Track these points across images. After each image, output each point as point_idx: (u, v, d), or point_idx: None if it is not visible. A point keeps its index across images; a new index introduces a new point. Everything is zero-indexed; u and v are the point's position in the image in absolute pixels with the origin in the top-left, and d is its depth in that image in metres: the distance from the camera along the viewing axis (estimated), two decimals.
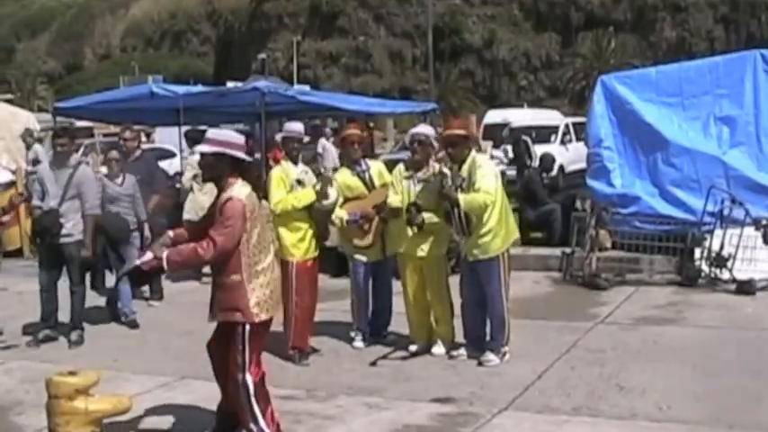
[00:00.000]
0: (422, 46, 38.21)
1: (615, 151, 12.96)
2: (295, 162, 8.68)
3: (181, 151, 20.48)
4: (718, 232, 11.54)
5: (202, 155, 6.04)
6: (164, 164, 18.56)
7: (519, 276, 12.22)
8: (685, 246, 11.76)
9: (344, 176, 8.98)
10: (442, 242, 8.55)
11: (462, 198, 7.91)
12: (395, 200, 8.51)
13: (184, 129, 15.14)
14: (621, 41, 77.14)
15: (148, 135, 30.90)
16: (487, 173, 8.04)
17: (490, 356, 8.13)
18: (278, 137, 9.23)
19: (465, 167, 8.11)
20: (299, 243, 8.50)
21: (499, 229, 8.08)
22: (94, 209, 9.74)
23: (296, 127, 8.85)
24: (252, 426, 6.02)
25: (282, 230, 8.53)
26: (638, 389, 7.25)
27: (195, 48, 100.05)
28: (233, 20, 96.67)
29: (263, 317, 6.01)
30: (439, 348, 8.59)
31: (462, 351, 8.41)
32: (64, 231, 9.50)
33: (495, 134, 27.48)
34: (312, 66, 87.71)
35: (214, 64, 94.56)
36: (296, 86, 53.42)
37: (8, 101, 58.71)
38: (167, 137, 26.36)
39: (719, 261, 11.34)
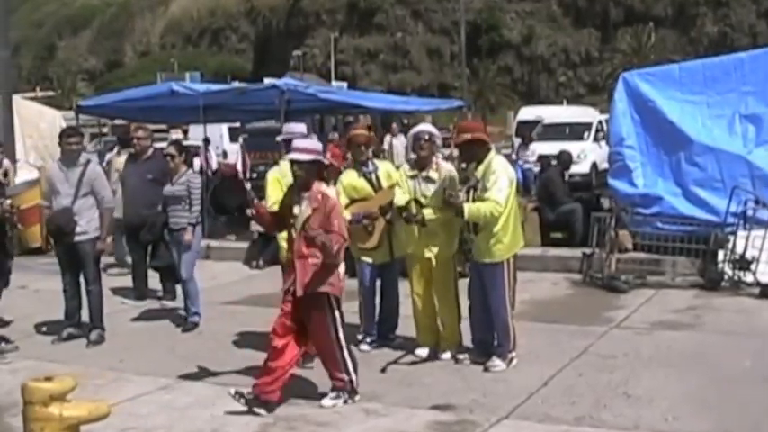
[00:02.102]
0: (460, 42, 37.90)
1: (637, 150, 12.66)
2: None
3: (206, 149, 20.57)
4: (742, 234, 11.21)
5: (299, 162, 6.95)
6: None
7: (538, 278, 12.08)
8: (708, 247, 11.46)
9: (351, 177, 8.80)
10: (451, 243, 8.32)
11: (467, 208, 7.69)
12: (401, 199, 8.31)
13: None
14: (661, 37, 76.44)
15: (185, 132, 31.05)
16: (499, 179, 7.75)
17: (496, 362, 7.92)
18: (333, 135, 9.23)
19: (480, 169, 7.88)
20: None
21: (503, 236, 7.84)
22: (111, 202, 9.86)
23: (297, 128, 8.70)
24: (344, 375, 7.09)
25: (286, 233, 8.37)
26: (646, 397, 6.99)
27: (234, 45, 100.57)
28: (271, 17, 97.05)
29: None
30: (445, 353, 8.39)
31: (467, 356, 8.21)
32: (78, 230, 9.47)
33: (527, 132, 27.17)
34: (350, 62, 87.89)
35: (252, 61, 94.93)
36: (333, 83, 53.64)
37: (49, 98, 59.31)
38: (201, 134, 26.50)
39: (743, 263, 11.00)
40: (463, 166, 8.30)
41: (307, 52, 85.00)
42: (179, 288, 11.37)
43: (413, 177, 8.35)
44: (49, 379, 5.09)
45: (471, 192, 7.86)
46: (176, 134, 27.18)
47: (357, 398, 7.12)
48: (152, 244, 11.07)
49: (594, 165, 24.93)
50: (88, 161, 9.87)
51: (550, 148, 21.20)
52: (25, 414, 5.15)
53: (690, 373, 7.65)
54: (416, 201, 8.16)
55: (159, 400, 7.37)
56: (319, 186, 6.98)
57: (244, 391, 6.98)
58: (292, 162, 7.06)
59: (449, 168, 8.44)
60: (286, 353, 7.04)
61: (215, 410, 7.05)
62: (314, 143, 7.38)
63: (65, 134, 9.87)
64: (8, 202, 9.29)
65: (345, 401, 7.07)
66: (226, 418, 6.87)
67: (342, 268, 7.14)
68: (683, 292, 11.08)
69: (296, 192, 7.15)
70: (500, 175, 7.77)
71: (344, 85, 53.91)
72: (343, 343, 7.12)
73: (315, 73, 74.41)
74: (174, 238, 10.34)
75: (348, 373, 7.11)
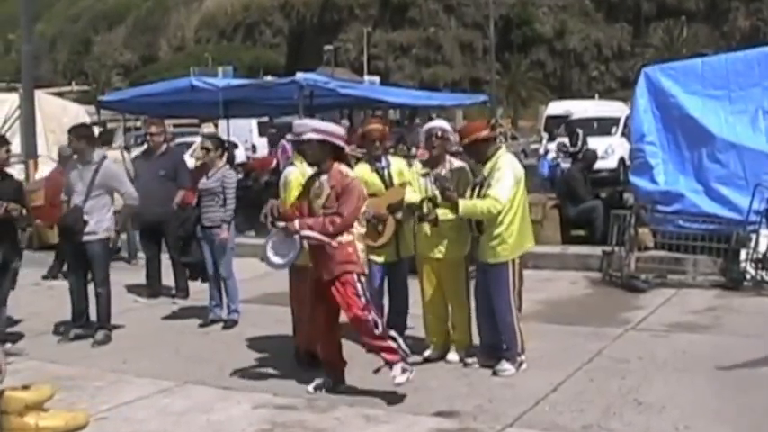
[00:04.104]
0: (493, 36, 37.71)
1: (658, 147, 12.35)
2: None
3: (229, 143, 20.44)
4: (765, 232, 10.95)
5: (309, 141, 7.11)
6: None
7: (556, 276, 11.86)
8: (730, 246, 11.19)
9: (363, 171, 8.54)
10: (462, 243, 8.08)
11: (462, 204, 7.51)
12: (413, 197, 8.10)
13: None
14: (694, 31, 75.71)
15: (216, 125, 31.09)
16: (504, 177, 7.53)
17: (505, 366, 7.69)
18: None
19: (488, 166, 7.68)
20: None
21: (508, 236, 7.60)
22: (134, 198, 9.75)
23: (308, 124, 8.49)
24: (391, 343, 7.04)
25: None
26: (658, 405, 6.74)
27: (268, 39, 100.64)
28: (305, 11, 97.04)
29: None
30: (454, 355, 8.18)
31: (475, 359, 7.99)
32: (87, 229, 9.34)
33: (555, 126, 26.84)
34: (383, 57, 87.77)
35: (286, 55, 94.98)
36: (365, 78, 53.53)
37: (83, 92, 59.72)
38: (237, 128, 26.45)
39: (765, 263, 10.75)
40: (479, 166, 8.04)
41: (340, 47, 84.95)
42: (192, 286, 11.31)
43: (425, 176, 8.14)
44: (26, 387, 4.97)
45: (477, 189, 7.65)
46: (208, 128, 27.15)
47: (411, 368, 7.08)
48: (183, 240, 10.90)
49: (622, 160, 24.51)
50: (103, 159, 9.73)
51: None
52: (1, 424, 5.04)
53: (705, 378, 7.38)
54: (430, 199, 7.94)
55: (156, 405, 7.20)
56: (339, 166, 7.09)
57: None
58: (303, 142, 7.25)
59: (461, 166, 8.24)
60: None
61: (212, 416, 6.89)
62: (327, 125, 7.58)
63: (73, 132, 9.75)
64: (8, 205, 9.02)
65: (411, 373, 7.02)
66: (222, 424, 6.71)
67: (360, 246, 7.18)
68: (703, 292, 10.81)
69: (315, 177, 7.22)
70: (505, 172, 7.57)
71: (377, 79, 53.59)
72: (378, 320, 7.13)
73: (348, 67, 74.24)
74: (206, 236, 10.15)
75: (395, 340, 7.08)
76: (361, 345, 7.30)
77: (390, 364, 7.02)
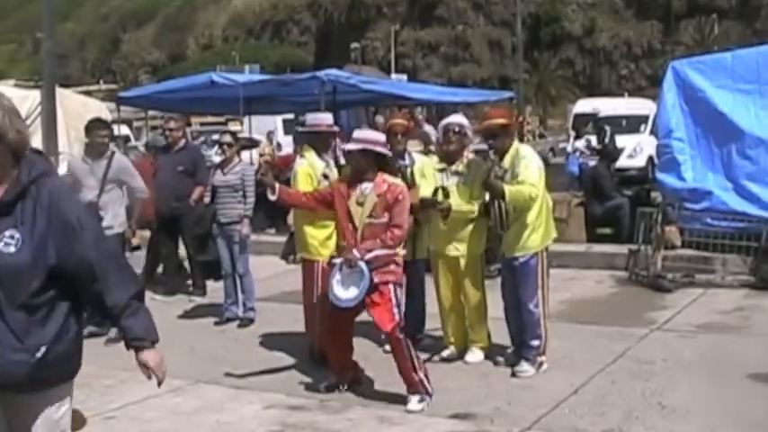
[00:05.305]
0: (521, 34, 37.42)
1: (686, 142, 11.99)
2: (320, 154, 8.15)
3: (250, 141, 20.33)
4: None
5: (349, 152, 7.04)
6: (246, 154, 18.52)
7: (581, 275, 11.62)
8: (760, 245, 10.91)
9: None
10: (478, 240, 7.88)
11: (507, 189, 7.27)
12: (426, 191, 7.89)
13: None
14: (725, 29, 74.77)
15: (242, 123, 31.07)
16: (531, 164, 7.40)
17: (525, 366, 7.46)
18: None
19: (507, 158, 7.50)
20: (327, 241, 7.94)
21: (538, 225, 7.45)
22: (143, 192, 9.71)
23: (322, 118, 8.33)
24: (414, 374, 6.78)
25: (308, 228, 8.03)
26: (682, 409, 6.50)
27: (295, 38, 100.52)
28: (333, 9, 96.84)
29: None
30: (473, 356, 7.97)
31: (502, 359, 7.83)
32: (104, 224, 9.19)
33: (583, 124, 26.53)
34: (410, 55, 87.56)
35: (314, 54, 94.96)
36: (393, 76, 53.36)
37: (111, 91, 60.07)
38: (262, 126, 26.34)
39: None
40: (496, 158, 7.79)
41: (367, 45, 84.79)
42: (209, 283, 11.15)
43: (441, 171, 7.95)
44: None
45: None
46: (235, 126, 27.08)
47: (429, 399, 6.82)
48: (200, 238, 10.74)
49: (651, 158, 24.19)
50: (113, 153, 9.64)
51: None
52: None
53: (732, 382, 7.12)
54: (443, 189, 7.73)
55: (166, 404, 7.02)
56: (382, 175, 6.92)
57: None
58: (347, 152, 7.26)
59: (478, 160, 8.05)
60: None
61: (222, 416, 6.73)
62: (369, 133, 7.38)
63: (94, 127, 9.62)
64: None
65: (427, 404, 6.76)
66: (232, 425, 6.55)
67: (402, 255, 7.05)
68: (732, 292, 10.53)
69: (352, 181, 7.01)
70: (531, 160, 7.45)
71: (404, 77, 53.56)
72: (409, 341, 6.87)
73: (375, 65, 74.11)
74: (222, 232, 9.98)
75: (416, 371, 6.81)
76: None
77: (415, 391, 6.80)
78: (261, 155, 19.76)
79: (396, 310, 6.78)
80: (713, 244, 11.40)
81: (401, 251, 7.00)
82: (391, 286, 6.81)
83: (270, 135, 24.65)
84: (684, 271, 11.22)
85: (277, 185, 7.17)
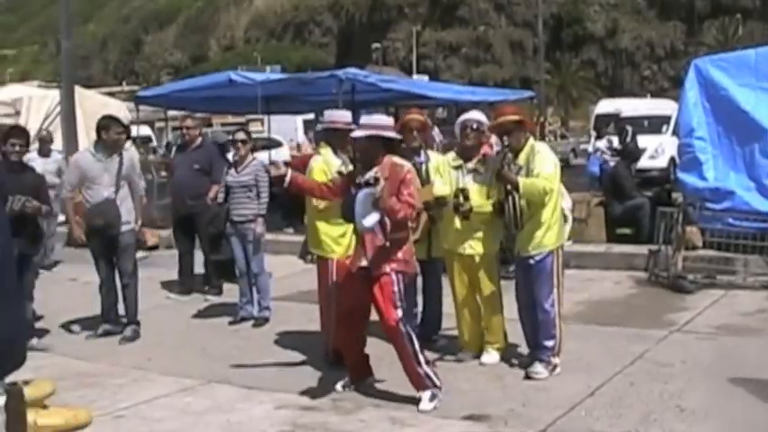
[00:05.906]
0: (543, 35, 37.28)
1: (708, 141, 11.87)
2: (336, 152, 8.04)
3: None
4: None
5: (356, 139, 6.94)
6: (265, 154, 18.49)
7: (600, 276, 11.48)
8: None
9: None
10: (493, 239, 7.75)
11: (522, 181, 7.15)
12: (441, 189, 7.77)
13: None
14: (749, 30, 74.24)
15: (263, 123, 31.14)
16: (546, 158, 7.29)
17: (538, 368, 7.32)
18: None
19: (522, 156, 7.36)
20: (341, 239, 7.86)
21: (553, 222, 7.32)
22: (143, 190, 9.97)
23: (340, 115, 8.24)
24: (418, 368, 6.67)
25: (322, 225, 7.92)
26: (701, 412, 6.35)
27: (317, 39, 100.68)
28: (354, 11, 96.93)
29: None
30: (489, 357, 7.83)
31: (517, 362, 7.70)
32: (122, 219, 9.20)
33: (604, 125, 26.35)
34: (432, 56, 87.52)
35: (335, 55, 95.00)
36: (414, 77, 53.29)
37: (133, 92, 60.36)
38: (283, 126, 26.33)
39: None
40: (510, 156, 7.67)
41: (389, 46, 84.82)
42: (225, 283, 11.08)
43: (457, 168, 7.81)
44: (26, 383, 4.75)
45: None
46: (255, 126, 27.07)
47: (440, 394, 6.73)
48: (214, 237, 10.67)
49: (673, 159, 24.01)
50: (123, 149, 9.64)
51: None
52: None
53: (753, 385, 6.93)
54: (462, 191, 7.62)
55: (177, 404, 6.96)
56: (390, 158, 6.76)
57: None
58: (354, 140, 7.10)
59: (492, 156, 7.91)
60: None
61: (233, 416, 6.63)
62: (376, 118, 7.23)
63: (111, 123, 9.54)
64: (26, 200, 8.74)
65: (440, 401, 6.66)
66: (242, 425, 6.45)
67: (411, 245, 6.92)
68: (754, 294, 10.36)
69: (361, 170, 6.86)
70: (546, 155, 7.34)
71: (425, 78, 53.53)
72: (413, 333, 6.74)
73: (397, 66, 74.10)
74: (237, 231, 9.91)
75: (420, 365, 6.69)
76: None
77: (423, 389, 6.69)
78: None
79: (397, 302, 6.63)
80: (735, 244, 11.23)
81: (411, 236, 6.91)
82: (393, 276, 6.64)
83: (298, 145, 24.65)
84: (705, 272, 11.07)
85: (289, 171, 7.12)
